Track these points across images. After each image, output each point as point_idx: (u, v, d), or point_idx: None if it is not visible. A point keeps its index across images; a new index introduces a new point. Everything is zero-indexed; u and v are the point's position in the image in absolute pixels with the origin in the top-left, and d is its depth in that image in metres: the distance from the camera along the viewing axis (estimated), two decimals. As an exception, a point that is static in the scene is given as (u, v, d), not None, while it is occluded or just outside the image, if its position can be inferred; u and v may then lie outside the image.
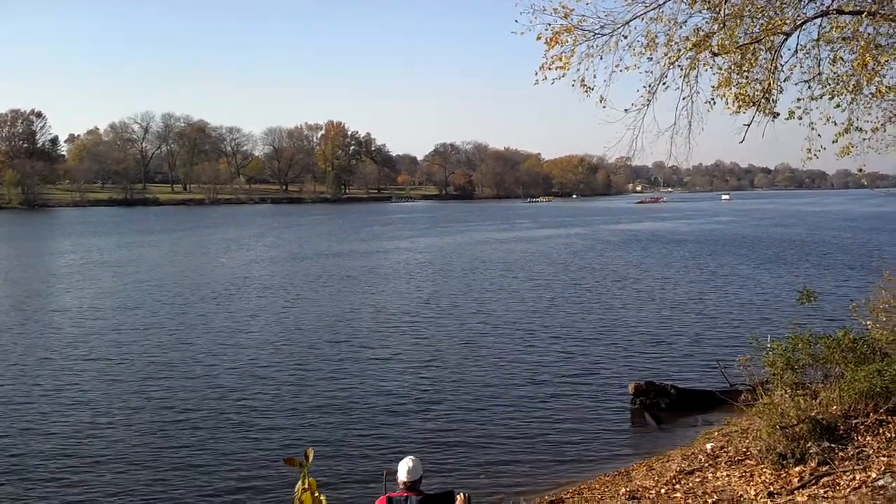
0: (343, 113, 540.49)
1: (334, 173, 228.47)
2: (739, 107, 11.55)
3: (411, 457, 7.54)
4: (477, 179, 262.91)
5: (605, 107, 11.88)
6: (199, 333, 27.81)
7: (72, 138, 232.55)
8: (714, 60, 11.80)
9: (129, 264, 52.48)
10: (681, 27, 11.71)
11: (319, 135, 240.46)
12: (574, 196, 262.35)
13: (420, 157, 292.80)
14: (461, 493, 7.86)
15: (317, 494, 4.26)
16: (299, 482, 4.16)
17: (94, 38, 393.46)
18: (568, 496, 13.02)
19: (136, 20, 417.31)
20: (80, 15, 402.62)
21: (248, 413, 18.31)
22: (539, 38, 11.68)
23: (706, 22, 11.61)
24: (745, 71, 11.62)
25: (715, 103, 11.88)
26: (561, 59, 11.72)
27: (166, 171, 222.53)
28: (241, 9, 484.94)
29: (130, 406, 18.90)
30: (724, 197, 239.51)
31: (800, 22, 11.37)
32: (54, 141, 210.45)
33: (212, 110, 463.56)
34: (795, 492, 10.79)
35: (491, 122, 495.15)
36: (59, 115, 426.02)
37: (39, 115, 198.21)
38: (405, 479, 7.34)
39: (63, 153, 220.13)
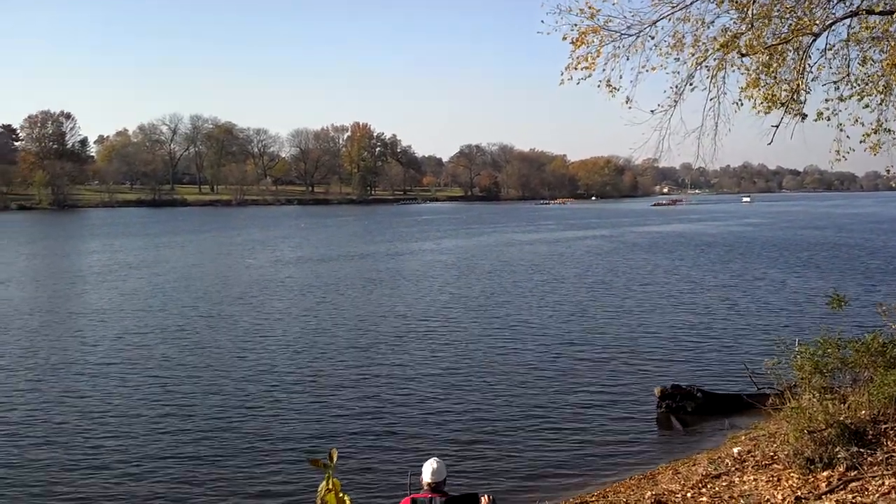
0: (369, 114, 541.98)
1: (360, 175, 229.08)
2: (767, 108, 11.46)
3: (436, 458, 7.55)
4: (502, 181, 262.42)
5: (630, 108, 11.83)
6: (225, 335, 27.98)
7: (101, 139, 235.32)
8: (742, 61, 11.71)
9: (157, 265, 52.98)
10: (708, 27, 11.65)
11: (345, 136, 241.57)
12: (593, 198, 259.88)
13: (445, 159, 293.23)
14: (485, 495, 7.85)
15: (341, 495, 4.26)
16: (323, 482, 4.16)
17: (123, 41, 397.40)
18: (593, 499, 12.95)
19: (163, 22, 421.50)
20: (109, 17, 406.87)
21: (272, 414, 18.39)
22: (565, 39, 11.66)
23: (734, 22, 11.54)
24: (773, 72, 11.52)
25: (742, 104, 11.80)
26: (587, 60, 11.69)
27: (194, 173, 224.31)
28: (270, 10, 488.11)
29: (156, 406, 19.05)
30: (745, 199, 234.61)
31: (829, 22, 11.26)
32: (83, 142, 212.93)
33: (239, 112, 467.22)
34: (823, 496, 10.67)
35: (517, 124, 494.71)
36: (88, 116, 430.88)
37: (69, 116, 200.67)
38: (430, 481, 7.34)
39: (92, 154, 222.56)
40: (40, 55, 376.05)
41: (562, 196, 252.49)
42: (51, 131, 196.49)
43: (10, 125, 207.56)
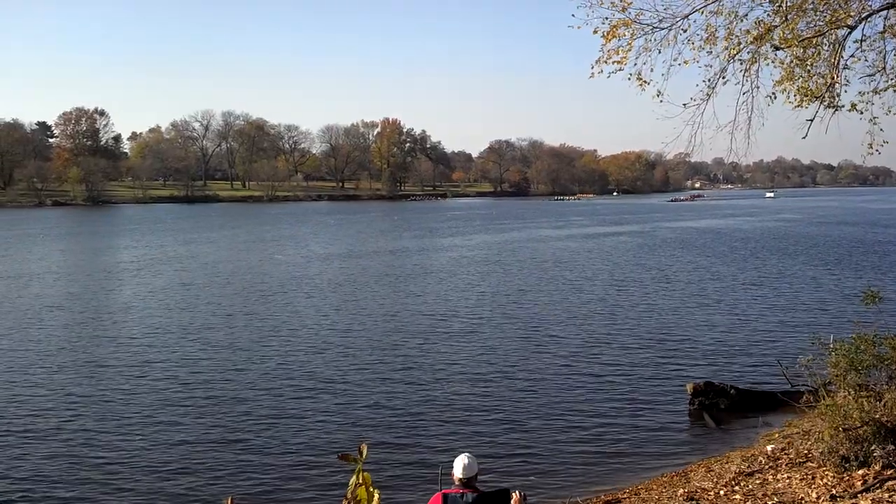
0: (399, 110, 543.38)
1: (390, 170, 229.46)
2: (801, 101, 11.32)
3: (467, 454, 7.54)
4: (532, 176, 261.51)
5: (662, 101, 11.74)
6: (255, 331, 28.17)
7: (134, 136, 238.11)
8: (775, 54, 11.58)
9: (189, 260, 53.46)
10: (741, 20, 11.52)
11: (375, 132, 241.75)
12: (615, 193, 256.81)
13: (475, 154, 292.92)
14: (517, 492, 7.83)
15: (371, 489, 4.27)
16: (353, 477, 4.18)
17: (155, 38, 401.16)
18: (625, 496, 12.90)
19: (195, 19, 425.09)
20: (142, 14, 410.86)
21: (303, 409, 18.49)
22: (595, 32, 11.59)
23: (767, 15, 11.40)
24: (807, 65, 11.38)
25: (776, 98, 11.66)
26: (618, 53, 11.62)
27: (226, 169, 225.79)
28: (302, 6, 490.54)
29: (185, 401, 19.23)
30: (768, 195, 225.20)
31: (865, 14, 11.11)
32: (117, 139, 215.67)
33: (270, 108, 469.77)
34: (859, 495, 10.54)
35: (547, 119, 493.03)
36: (122, 113, 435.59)
37: (102, 113, 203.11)
38: (461, 476, 7.34)
39: (126, 151, 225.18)
40: (74, 53, 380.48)
41: (591, 191, 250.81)
42: (85, 128, 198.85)
43: (44, 122, 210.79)
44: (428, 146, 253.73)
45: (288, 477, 14.34)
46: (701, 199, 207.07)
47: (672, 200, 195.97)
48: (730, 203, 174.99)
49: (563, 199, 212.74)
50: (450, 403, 18.83)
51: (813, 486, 11.35)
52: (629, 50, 11.59)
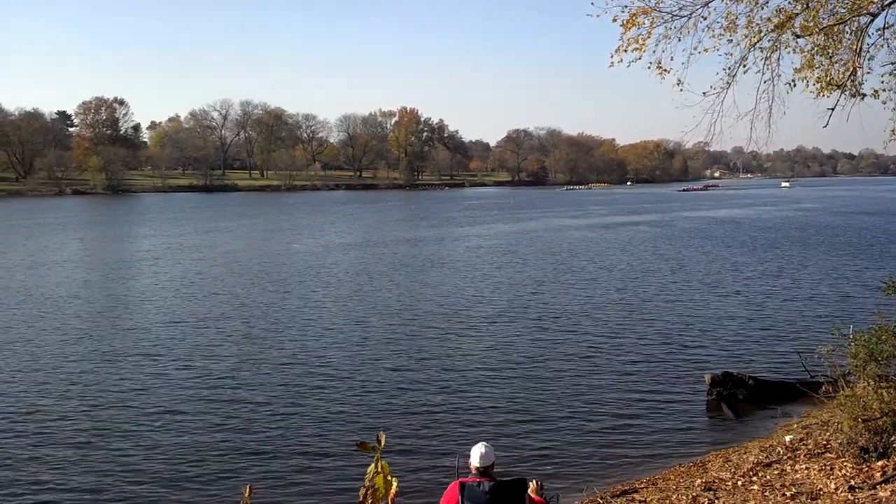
0: (416, 99, 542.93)
1: (407, 159, 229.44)
2: (822, 90, 11.22)
3: (484, 443, 7.55)
4: (550, 165, 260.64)
5: (682, 90, 11.66)
6: (273, 319, 28.30)
7: (153, 125, 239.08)
8: (796, 42, 11.47)
9: (208, 249, 53.75)
10: (762, 8, 11.41)
11: (393, 121, 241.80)
12: (628, 183, 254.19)
13: (493, 144, 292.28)
14: (533, 480, 7.85)
15: (389, 478, 4.29)
16: (372, 465, 4.19)
17: (174, 27, 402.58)
18: (642, 486, 12.88)
19: (213, 8, 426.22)
20: (160, 3, 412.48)
21: (320, 398, 18.57)
22: (615, 21, 11.52)
23: (789, 2, 11.29)
24: (829, 53, 11.28)
25: (795, 86, 11.56)
26: (637, 42, 11.54)
27: (244, 158, 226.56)
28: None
29: (203, 390, 19.35)
30: (784, 184, 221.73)
31: (888, 1, 10.98)
32: (136, 128, 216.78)
33: (288, 97, 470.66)
34: (878, 486, 10.49)
35: (565, 108, 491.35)
36: (141, 102, 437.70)
37: (122, 102, 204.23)
38: (478, 465, 7.35)
39: (145, 140, 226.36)
40: (93, 42, 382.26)
41: (608, 180, 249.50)
42: (105, 117, 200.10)
43: (64, 111, 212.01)
44: (445, 135, 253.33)
45: (306, 465, 14.42)
46: (715, 189, 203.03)
47: (684, 190, 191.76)
48: (744, 192, 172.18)
49: (574, 189, 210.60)
50: (467, 393, 18.86)
51: (832, 476, 11.30)
52: (648, 38, 11.51)
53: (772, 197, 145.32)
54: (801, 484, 11.20)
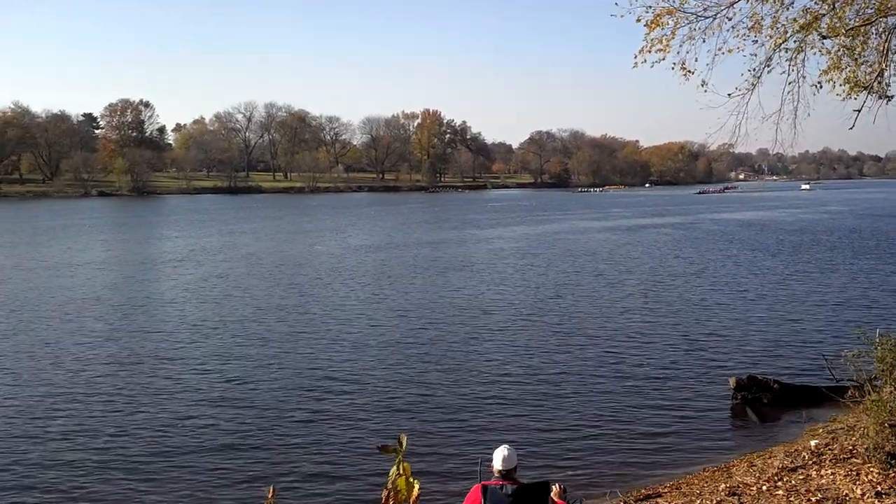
0: (439, 101, 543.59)
1: (430, 162, 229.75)
2: (849, 91, 11.12)
3: (506, 445, 7.54)
4: (573, 167, 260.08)
5: (706, 91, 11.59)
6: (295, 321, 28.40)
7: (178, 128, 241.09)
8: (822, 43, 11.37)
9: (231, 250, 54.08)
10: (787, 9, 11.32)
11: (416, 123, 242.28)
12: (647, 185, 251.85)
13: (515, 146, 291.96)
14: (556, 484, 7.83)
15: (411, 480, 4.29)
16: (393, 467, 4.20)
17: (198, 30, 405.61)
18: (665, 490, 12.81)
19: (236, 11, 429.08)
20: (184, 5, 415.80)
21: (342, 400, 18.60)
22: (639, 21, 11.47)
23: (815, 3, 11.20)
24: (855, 54, 11.17)
25: (822, 87, 11.46)
26: (661, 42, 11.49)
27: (268, 160, 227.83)
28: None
29: (226, 391, 19.45)
30: (804, 186, 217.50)
31: (916, 2, 10.86)
32: (161, 130, 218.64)
33: (312, 100, 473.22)
34: (905, 493, 10.36)
35: (589, 110, 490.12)
36: (166, 105, 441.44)
37: (147, 104, 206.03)
38: (500, 468, 7.34)
39: (170, 142, 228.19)
40: (119, 44, 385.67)
41: (632, 182, 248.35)
42: (130, 119, 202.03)
43: (90, 113, 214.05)
44: (468, 137, 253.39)
45: (328, 467, 14.44)
46: (734, 191, 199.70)
47: (700, 192, 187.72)
48: (761, 195, 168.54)
49: (587, 191, 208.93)
50: (489, 395, 18.83)
51: (858, 482, 11.18)
52: (672, 39, 11.46)
53: (795, 199, 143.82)
54: (827, 489, 11.08)
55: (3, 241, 62.72)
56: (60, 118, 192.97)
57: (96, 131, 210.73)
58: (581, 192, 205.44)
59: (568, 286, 36.19)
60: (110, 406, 18.18)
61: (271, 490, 4.86)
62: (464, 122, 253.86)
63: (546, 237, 64.74)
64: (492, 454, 7.49)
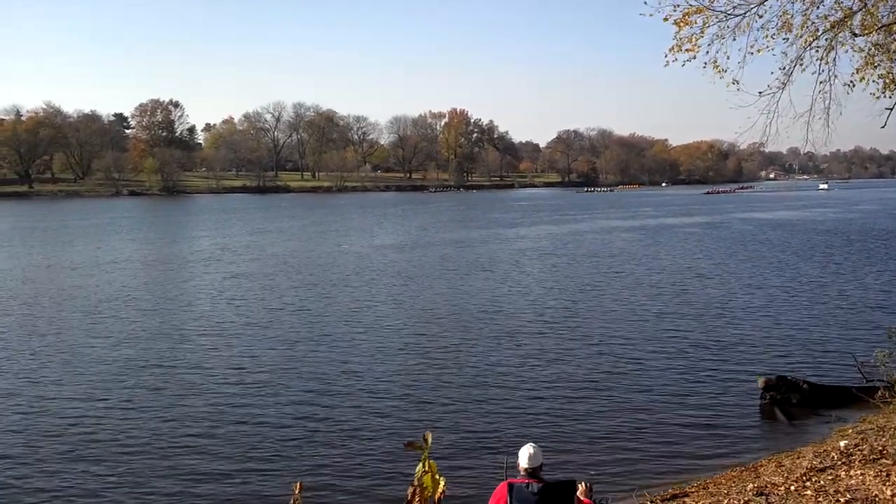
0: (466, 100, 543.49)
1: (457, 161, 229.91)
2: (886, 87, 11.01)
3: (532, 444, 7.54)
4: (600, 166, 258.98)
5: (739, 89, 11.52)
6: (322, 320, 28.51)
7: (208, 127, 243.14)
8: (854, 41, 11.27)
9: (260, 249, 54.48)
10: (818, 6, 11.22)
11: (443, 123, 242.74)
12: (663, 184, 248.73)
13: (542, 145, 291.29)
14: (583, 483, 7.82)
15: (437, 477, 4.33)
16: (420, 464, 4.24)
17: (227, 30, 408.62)
18: (693, 490, 12.74)
19: (265, 12, 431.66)
20: (212, 6, 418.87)
21: (368, 398, 18.65)
22: (666, 20, 11.41)
23: (847, 0, 11.09)
24: (889, 52, 11.06)
25: (854, 86, 11.35)
26: (691, 41, 11.43)
27: (296, 160, 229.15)
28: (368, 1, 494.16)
29: (253, 389, 19.55)
30: (822, 186, 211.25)
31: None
32: (191, 130, 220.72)
33: (340, 100, 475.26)
34: (936, 495, 10.24)
35: (616, 109, 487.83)
36: (195, 105, 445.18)
37: (177, 104, 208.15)
38: (526, 466, 7.35)
39: (200, 142, 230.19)
40: (149, 45, 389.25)
41: (661, 180, 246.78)
42: (160, 119, 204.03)
43: (121, 113, 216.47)
44: (495, 136, 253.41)
45: (354, 463, 14.51)
46: (749, 191, 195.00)
47: (708, 193, 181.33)
48: (772, 195, 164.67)
49: (592, 191, 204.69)
50: (515, 393, 18.81)
51: (888, 483, 11.06)
52: (701, 37, 11.40)
53: (817, 198, 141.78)
54: (856, 490, 10.97)
55: (36, 240, 63.67)
56: (91, 118, 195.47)
57: (127, 131, 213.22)
58: (586, 191, 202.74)
59: (593, 285, 36.04)
60: (138, 402, 18.36)
61: (298, 485, 4.91)
62: (491, 122, 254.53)
63: (570, 236, 64.56)
64: (517, 452, 7.50)
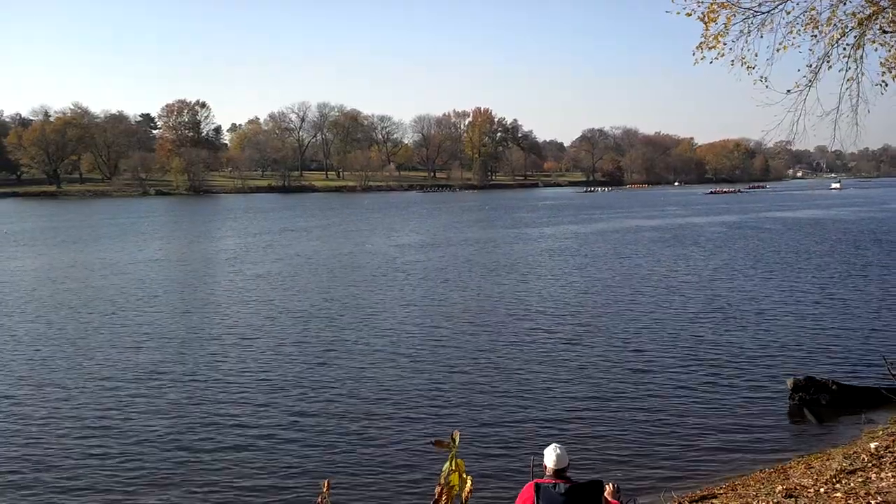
0: (491, 99, 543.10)
1: (481, 160, 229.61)
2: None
3: (558, 444, 7.52)
4: (626, 165, 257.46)
5: (767, 86, 11.41)
6: (346, 319, 28.59)
7: (233, 128, 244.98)
8: (884, 37, 11.14)
9: (285, 248, 54.76)
10: (846, 3, 11.11)
11: (467, 122, 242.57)
12: (676, 183, 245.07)
13: (567, 144, 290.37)
14: (610, 483, 7.80)
15: (464, 476, 4.33)
16: (447, 463, 4.24)
17: (254, 34, 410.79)
18: (721, 491, 12.67)
19: (289, 15, 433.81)
20: (237, 10, 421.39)
21: (396, 396, 18.71)
22: (689, 15, 11.34)
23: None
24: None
25: (887, 86, 11.23)
26: (717, 39, 11.35)
27: (321, 159, 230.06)
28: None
29: (280, 388, 19.65)
30: (833, 185, 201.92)
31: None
32: (217, 130, 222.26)
33: (364, 99, 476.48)
34: (969, 497, 10.11)
35: (642, 108, 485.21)
36: (221, 105, 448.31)
37: (203, 105, 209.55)
38: (553, 466, 7.32)
39: (225, 142, 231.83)
40: (176, 48, 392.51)
41: (681, 181, 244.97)
42: (186, 119, 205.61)
43: (148, 114, 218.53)
44: (519, 135, 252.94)
45: (382, 462, 14.57)
46: (760, 190, 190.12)
47: (711, 192, 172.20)
48: (789, 195, 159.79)
49: (594, 191, 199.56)
50: (542, 393, 18.77)
51: (919, 486, 10.94)
52: (726, 35, 11.31)
53: (837, 197, 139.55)
54: (887, 493, 10.86)
55: (66, 238, 64.39)
56: (118, 118, 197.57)
57: (154, 131, 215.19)
58: (587, 191, 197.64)
59: (618, 283, 35.88)
60: (168, 398, 18.54)
61: (326, 483, 4.94)
62: (515, 121, 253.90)
63: (595, 236, 64.34)
64: (543, 453, 7.48)
